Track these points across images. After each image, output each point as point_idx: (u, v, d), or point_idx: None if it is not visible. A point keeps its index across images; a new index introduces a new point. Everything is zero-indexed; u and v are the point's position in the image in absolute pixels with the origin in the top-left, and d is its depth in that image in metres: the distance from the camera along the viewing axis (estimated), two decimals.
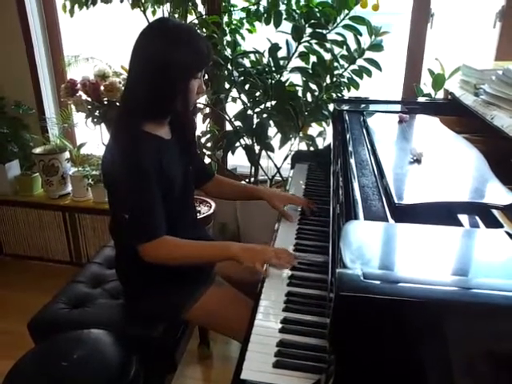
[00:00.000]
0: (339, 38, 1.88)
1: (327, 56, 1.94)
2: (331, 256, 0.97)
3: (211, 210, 2.29)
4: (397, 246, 0.75)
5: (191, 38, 1.16)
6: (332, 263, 0.93)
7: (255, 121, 2.08)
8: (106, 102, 2.10)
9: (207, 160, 2.24)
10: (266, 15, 1.92)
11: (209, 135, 2.22)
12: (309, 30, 1.87)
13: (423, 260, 0.68)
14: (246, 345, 0.91)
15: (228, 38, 2.04)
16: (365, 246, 0.73)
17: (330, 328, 0.66)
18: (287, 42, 1.95)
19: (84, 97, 2.12)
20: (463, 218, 0.81)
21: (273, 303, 1.05)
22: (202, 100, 2.18)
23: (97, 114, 2.12)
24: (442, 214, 0.81)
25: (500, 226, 0.79)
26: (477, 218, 0.81)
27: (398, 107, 1.61)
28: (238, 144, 2.15)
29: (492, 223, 0.80)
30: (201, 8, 2.11)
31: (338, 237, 0.89)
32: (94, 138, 2.28)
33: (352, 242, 0.73)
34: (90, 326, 1.27)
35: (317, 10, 1.86)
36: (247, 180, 2.27)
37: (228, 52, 1.99)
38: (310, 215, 1.46)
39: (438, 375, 0.61)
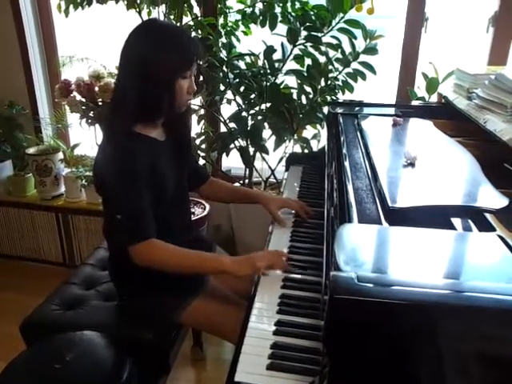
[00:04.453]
0: (334, 41, 1.89)
1: (322, 59, 1.95)
2: (325, 259, 0.97)
3: (205, 212, 2.28)
4: (390, 249, 0.75)
5: (176, 37, 1.16)
6: (326, 266, 0.94)
7: (250, 123, 2.09)
8: (100, 103, 2.10)
9: (201, 161, 2.24)
10: (261, 17, 1.93)
11: (203, 137, 2.22)
12: (304, 33, 1.88)
13: (417, 263, 0.69)
14: (240, 347, 0.91)
15: (223, 39, 2.04)
16: (359, 249, 0.73)
17: (324, 330, 0.66)
18: (282, 44, 1.95)
19: (78, 97, 2.11)
20: (456, 221, 0.82)
21: (267, 305, 1.05)
22: (197, 101, 2.18)
23: (91, 114, 2.12)
24: (435, 217, 0.82)
25: (493, 229, 0.79)
26: (470, 221, 0.82)
27: (392, 110, 1.63)
28: (232, 146, 2.15)
29: (485, 227, 0.80)
30: (196, 10, 2.11)
31: (332, 239, 0.89)
32: (88, 138, 2.28)
33: (346, 245, 0.73)
34: (83, 327, 1.26)
35: (312, 13, 1.87)
36: (241, 182, 2.27)
37: (223, 54, 1.99)
38: (307, 219, 1.45)
39: (431, 377, 0.62)
